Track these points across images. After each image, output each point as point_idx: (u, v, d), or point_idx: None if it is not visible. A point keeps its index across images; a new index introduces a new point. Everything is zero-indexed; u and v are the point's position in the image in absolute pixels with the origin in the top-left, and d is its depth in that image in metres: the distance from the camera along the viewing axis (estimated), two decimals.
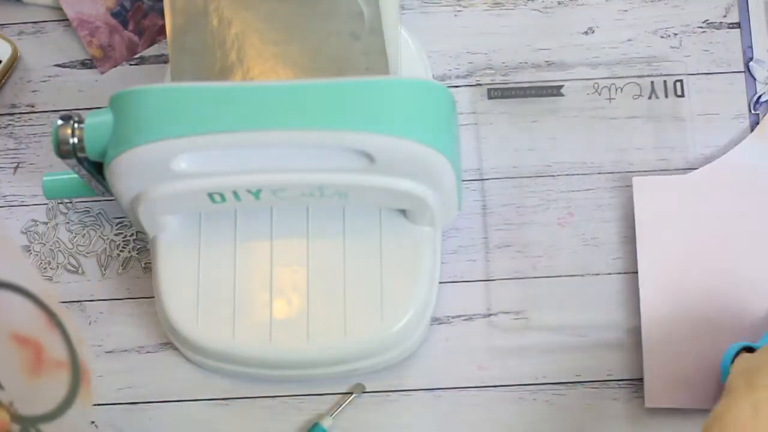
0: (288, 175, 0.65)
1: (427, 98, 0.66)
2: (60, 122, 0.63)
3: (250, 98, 0.62)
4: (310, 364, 0.74)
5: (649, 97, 0.81)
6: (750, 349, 0.75)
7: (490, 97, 0.82)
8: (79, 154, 0.63)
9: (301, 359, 0.73)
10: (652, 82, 0.82)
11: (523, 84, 0.82)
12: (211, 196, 0.66)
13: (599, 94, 0.81)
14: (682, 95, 0.81)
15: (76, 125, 0.63)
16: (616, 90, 0.81)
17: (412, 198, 0.68)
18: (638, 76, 0.82)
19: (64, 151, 0.63)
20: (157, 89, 0.63)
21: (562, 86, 0.82)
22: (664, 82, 0.82)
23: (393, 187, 0.67)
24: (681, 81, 0.81)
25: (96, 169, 0.67)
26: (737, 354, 0.74)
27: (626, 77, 0.82)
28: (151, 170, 0.63)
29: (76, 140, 0.63)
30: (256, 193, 0.66)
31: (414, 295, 0.73)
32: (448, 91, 0.68)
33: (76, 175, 0.68)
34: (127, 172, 0.63)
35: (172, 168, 0.63)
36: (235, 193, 0.66)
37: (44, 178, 0.73)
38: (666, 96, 0.81)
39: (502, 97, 0.82)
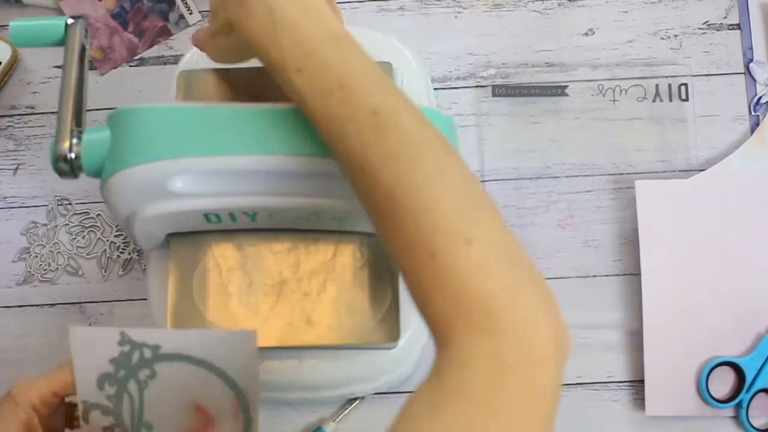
0: (284, 199, 0.64)
1: None
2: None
3: (249, 122, 0.61)
4: (305, 386, 0.73)
5: (654, 100, 0.81)
6: (729, 364, 0.75)
7: (494, 95, 0.82)
8: (77, 171, 0.63)
9: (295, 381, 0.73)
10: (657, 85, 0.81)
11: (524, 84, 0.82)
12: (206, 216, 0.65)
13: (603, 96, 0.81)
14: (687, 99, 0.81)
15: (74, 141, 0.62)
16: (621, 92, 0.81)
17: None
18: (642, 78, 0.82)
19: (62, 170, 0.62)
20: (156, 108, 0.62)
21: (567, 86, 0.82)
22: (669, 85, 0.81)
23: None
24: (686, 85, 0.81)
25: None
26: (714, 368, 0.75)
27: (630, 79, 0.82)
28: (148, 189, 0.62)
29: (73, 155, 0.62)
30: (252, 215, 0.65)
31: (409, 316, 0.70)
32: (451, 119, 0.66)
33: (44, 22, 0.65)
34: (124, 190, 0.62)
35: (169, 188, 0.62)
36: (231, 214, 0.65)
37: (11, 23, 0.66)
38: (670, 100, 0.81)
39: (507, 95, 0.82)
